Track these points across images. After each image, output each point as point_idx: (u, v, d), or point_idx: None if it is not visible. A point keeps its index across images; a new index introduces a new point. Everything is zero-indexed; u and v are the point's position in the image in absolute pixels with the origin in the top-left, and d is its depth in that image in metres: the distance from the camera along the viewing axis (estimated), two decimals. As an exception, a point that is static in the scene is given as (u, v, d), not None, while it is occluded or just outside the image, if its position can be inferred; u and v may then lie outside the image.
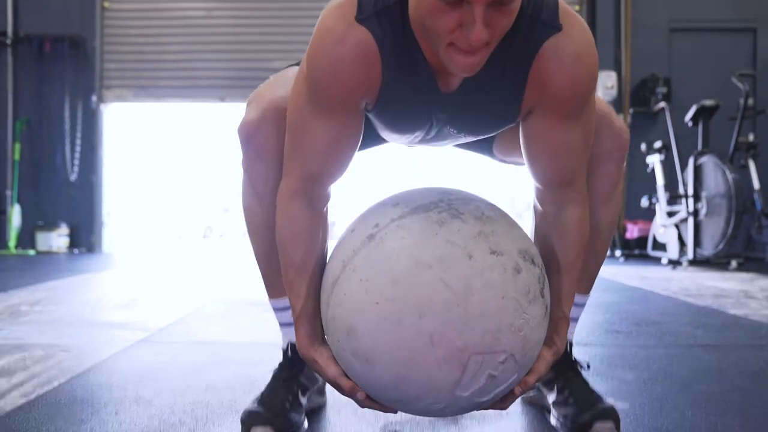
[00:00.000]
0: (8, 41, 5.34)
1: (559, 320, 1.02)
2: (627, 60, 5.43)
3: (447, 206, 0.98)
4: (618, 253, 5.11)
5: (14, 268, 4.00)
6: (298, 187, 1.00)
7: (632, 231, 5.22)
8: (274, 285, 1.16)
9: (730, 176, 4.00)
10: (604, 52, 5.41)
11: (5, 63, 5.36)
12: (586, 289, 1.22)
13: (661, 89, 5.28)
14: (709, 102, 4.19)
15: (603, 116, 1.10)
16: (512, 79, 0.95)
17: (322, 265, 1.02)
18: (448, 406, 0.93)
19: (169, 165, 7.24)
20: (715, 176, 4.12)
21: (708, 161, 4.18)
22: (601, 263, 1.21)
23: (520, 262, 0.94)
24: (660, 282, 3.36)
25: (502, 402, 0.96)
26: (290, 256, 1.01)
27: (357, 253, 0.96)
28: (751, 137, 4.71)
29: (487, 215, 0.97)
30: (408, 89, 0.97)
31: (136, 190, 6.11)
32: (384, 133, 1.10)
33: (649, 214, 4.92)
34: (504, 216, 1.00)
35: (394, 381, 0.91)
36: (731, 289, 3.00)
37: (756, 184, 4.68)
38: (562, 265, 1.04)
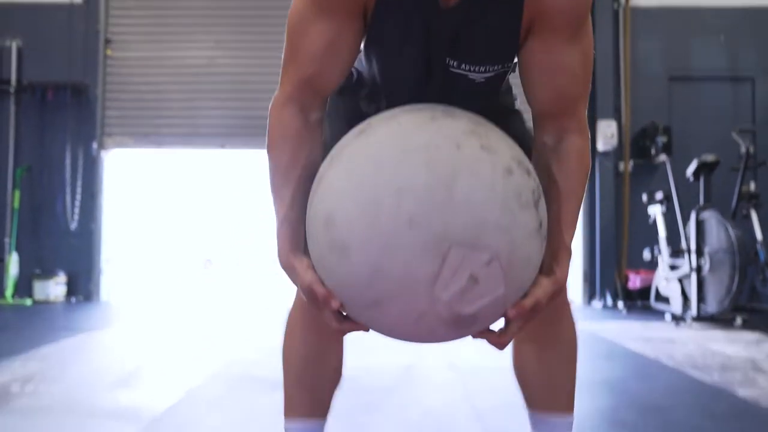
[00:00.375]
0: (11, 89, 5.37)
1: (558, 250, 0.95)
2: (627, 109, 5.45)
3: (442, 110, 0.96)
4: (620, 304, 5.06)
5: (9, 324, 3.96)
6: (292, 93, 0.99)
7: (634, 281, 5.17)
8: (293, 401, 1.13)
9: (732, 233, 3.97)
10: (604, 101, 5.44)
11: (8, 111, 5.39)
12: (568, 408, 1.16)
13: (661, 138, 5.29)
14: (710, 157, 4.18)
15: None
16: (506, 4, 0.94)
17: (312, 174, 0.98)
18: (426, 314, 0.84)
19: (168, 208, 7.23)
20: (718, 232, 4.09)
21: (710, 217, 4.16)
22: (575, 376, 1.16)
23: (512, 166, 0.90)
24: (664, 345, 3.30)
25: (498, 335, 0.90)
26: (277, 159, 0.99)
27: (345, 147, 0.94)
28: (752, 186, 4.71)
29: (481, 121, 0.95)
30: (407, 2, 0.95)
31: (136, 235, 6.07)
32: (381, 75, 1.07)
33: (651, 263, 4.88)
34: (502, 132, 0.97)
35: (369, 273, 0.83)
36: (738, 357, 2.94)
37: (759, 235, 4.65)
38: (563, 192, 0.98)
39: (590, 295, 5.43)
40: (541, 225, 0.90)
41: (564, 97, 1.00)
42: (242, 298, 9.41)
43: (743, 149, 4.19)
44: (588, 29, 1.01)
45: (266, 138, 1.01)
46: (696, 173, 4.30)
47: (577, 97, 1.02)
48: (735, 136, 4.25)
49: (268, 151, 1.01)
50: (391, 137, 0.91)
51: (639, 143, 5.41)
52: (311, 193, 0.96)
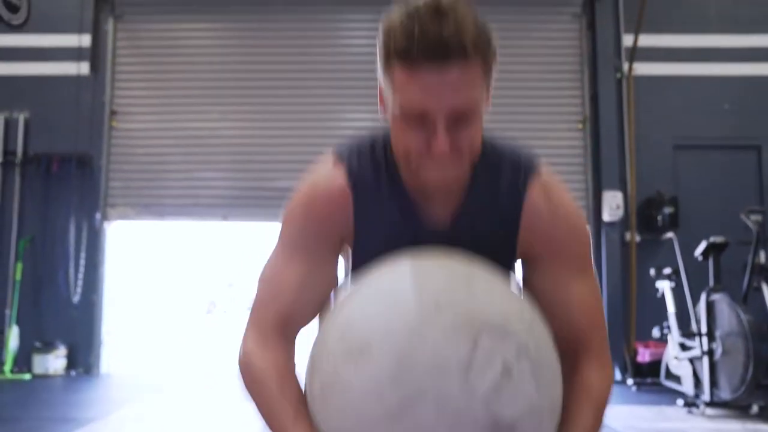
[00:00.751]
0: (17, 161, 5.40)
1: None
2: (632, 179, 5.41)
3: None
4: (630, 381, 4.93)
5: (3, 409, 3.88)
6: (268, 332, 0.97)
7: (644, 355, 5.06)
8: None
9: (744, 318, 3.87)
10: (609, 171, 5.41)
11: (13, 182, 5.40)
12: None
13: (668, 209, 5.23)
14: (718, 239, 4.12)
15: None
16: (504, 219, 0.99)
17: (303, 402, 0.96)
18: (461, 412, 0.74)
19: (169, 278, 7.24)
20: (729, 317, 4.00)
21: (721, 300, 4.07)
22: None
23: (513, 289, 0.95)
24: (677, 445, 3.19)
25: None
26: (263, 397, 0.94)
27: (350, 291, 0.95)
28: (762, 258, 4.63)
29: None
30: (390, 222, 0.99)
31: (137, 306, 6.02)
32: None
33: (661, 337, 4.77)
34: None
35: (394, 368, 0.75)
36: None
37: (771, 309, 4.55)
38: (570, 424, 0.95)
39: (599, 368, 5.30)
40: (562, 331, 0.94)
41: (576, 331, 0.99)
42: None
43: (754, 235, 4.13)
44: (591, 268, 1.04)
45: (243, 378, 0.99)
46: (705, 253, 4.23)
47: (590, 330, 1.01)
48: (744, 218, 4.19)
49: (251, 392, 0.97)
50: (400, 262, 0.91)
51: (645, 213, 5.36)
52: (315, 341, 0.93)
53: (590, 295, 1.02)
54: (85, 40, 5.50)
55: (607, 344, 1.03)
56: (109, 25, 5.62)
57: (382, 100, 0.98)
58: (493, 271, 0.94)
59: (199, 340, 10.19)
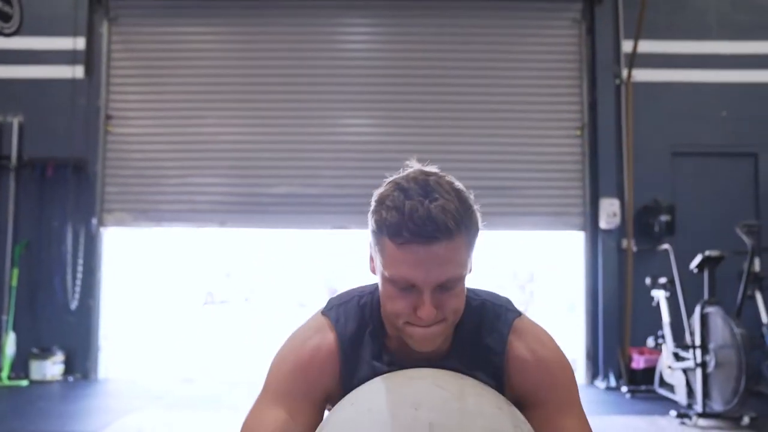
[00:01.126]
0: (12, 166, 5.37)
1: None
2: (629, 186, 5.41)
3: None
4: (624, 388, 4.98)
5: (1, 419, 3.89)
6: None
7: (638, 361, 5.10)
8: None
9: (737, 332, 3.91)
10: (606, 178, 5.41)
11: (8, 187, 5.37)
12: None
13: (665, 217, 5.25)
14: (714, 253, 4.14)
15: None
16: (489, 374, 1.05)
17: None
18: None
19: (166, 282, 7.23)
20: (723, 330, 4.03)
21: (715, 313, 4.10)
22: None
23: (509, 403, 0.97)
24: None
25: None
26: None
27: (333, 413, 0.97)
28: (757, 266, 4.66)
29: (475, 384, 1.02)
30: (374, 374, 1.04)
31: (134, 311, 6.02)
32: None
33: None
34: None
35: None
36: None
37: (765, 318, 4.59)
38: None
39: (593, 374, 5.35)
40: None
41: None
42: (245, 331, 9.35)
43: (749, 250, 4.16)
44: (579, 405, 1.09)
45: None
46: (700, 266, 4.26)
47: None
48: (739, 232, 4.21)
49: None
50: (389, 377, 0.95)
51: (642, 221, 5.37)
52: None
53: (583, 429, 1.08)
54: (79, 43, 5.45)
55: None
56: (104, 28, 5.56)
57: (371, 259, 1.06)
58: (485, 391, 0.98)
59: (197, 332, 10.22)
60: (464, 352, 1.07)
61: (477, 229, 1.04)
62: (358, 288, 1.16)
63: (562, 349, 1.11)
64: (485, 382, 1.04)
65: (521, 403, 1.06)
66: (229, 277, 21.56)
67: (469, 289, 1.10)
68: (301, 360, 1.06)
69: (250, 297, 20.96)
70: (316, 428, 1.03)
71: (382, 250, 0.99)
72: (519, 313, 1.11)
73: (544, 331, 1.12)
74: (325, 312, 1.11)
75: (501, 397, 0.95)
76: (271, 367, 1.08)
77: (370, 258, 1.06)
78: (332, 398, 1.07)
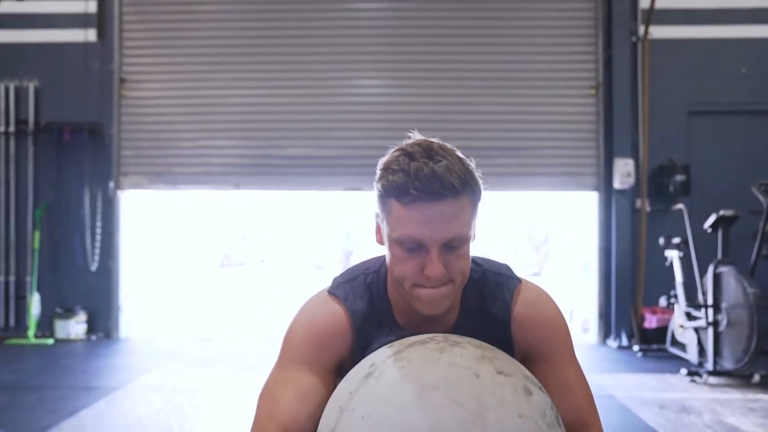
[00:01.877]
0: (29, 130, 5.44)
1: None
2: (645, 146, 5.36)
3: (443, 338, 0.98)
4: (636, 347, 5.03)
5: (30, 376, 4.04)
6: None
7: (651, 321, 5.13)
8: None
9: (750, 292, 3.91)
10: (621, 138, 5.36)
11: (27, 151, 5.46)
12: None
13: (680, 177, 5.20)
14: (728, 212, 4.11)
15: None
16: (495, 337, 1.08)
17: None
18: None
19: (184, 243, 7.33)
20: (736, 289, 4.04)
21: (728, 273, 4.10)
22: None
23: (529, 385, 0.92)
24: (678, 415, 3.28)
25: None
26: None
27: (354, 393, 0.92)
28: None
29: (484, 345, 0.99)
30: (385, 342, 1.06)
31: (153, 271, 6.15)
32: None
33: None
34: (501, 351, 1.03)
35: None
36: (752, 444, 2.90)
37: (778, 277, 4.58)
38: None
39: (605, 333, 5.41)
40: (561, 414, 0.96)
41: (576, 410, 1.10)
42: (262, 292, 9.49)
43: (764, 204, 4.11)
44: (574, 350, 1.16)
45: None
46: (714, 226, 4.24)
47: (587, 410, 1.12)
48: (755, 191, 4.17)
49: None
50: (405, 376, 0.89)
51: (656, 180, 5.33)
52: None
53: (581, 376, 1.15)
54: (91, 5, 5.44)
55: (600, 420, 1.14)
56: (115, -10, 5.55)
57: (378, 230, 1.09)
58: (491, 353, 0.98)
59: (214, 293, 10.43)
60: (471, 324, 1.11)
61: (480, 194, 1.06)
62: (362, 265, 1.18)
63: (559, 305, 1.17)
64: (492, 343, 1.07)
65: (528, 359, 1.13)
66: (245, 240, 21.82)
67: (472, 258, 1.12)
68: (314, 328, 1.09)
69: (267, 259, 21.24)
70: (329, 396, 1.05)
71: (389, 214, 1.02)
72: (519, 280, 1.16)
73: (544, 292, 1.17)
74: (332, 291, 1.14)
75: (519, 388, 0.90)
76: (284, 338, 1.12)
77: (376, 229, 1.09)
78: (344, 369, 1.09)
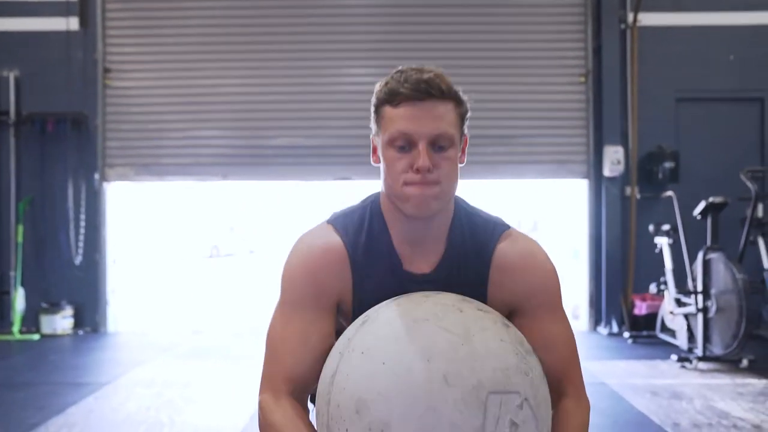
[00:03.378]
0: (10, 121, 5.32)
1: None
2: (634, 133, 5.36)
3: (429, 291, 1.08)
4: (626, 334, 5.06)
5: (16, 372, 3.98)
6: (281, 388, 1.08)
7: (640, 307, 5.16)
8: None
9: (739, 278, 3.94)
10: (611, 126, 5.36)
11: (8, 143, 5.35)
12: None
13: (668, 164, 5.22)
14: (717, 199, 4.13)
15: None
16: (476, 270, 1.14)
17: None
18: None
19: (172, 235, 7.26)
20: (725, 275, 4.07)
21: (717, 259, 4.12)
22: None
23: (506, 321, 1.03)
24: (669, 401, 3.31)
25: None
26: None
27: (352, 338, 1.00)
28: (760, 212, 4.66)
29: (466, 298, 1.07)
30: (381, 273, 1.13)
31: (140, 264, 6.08)
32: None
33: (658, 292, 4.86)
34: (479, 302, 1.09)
35: None
36: (746, 425, 2.93)
37: (766, 263, 4.62)
38: None
39: (596, 321, 5.43)
40: (542, 371, 1.02)
41: (556, 366, 1.13)
42: (249, 282, 9.44)
43: (752, 195, 4.14)
44: (563, 307, 1.17)
45: (260, 426, 1.10)
46: (703, 213, 4.26)
47: (568, 366, 1.15)
48: (744, 178, 4.19)
49: None
50: (397, 315, 0.99)
51: (645, 167, 5.35)
52: (322, 391, 1.00)
53: (566, 332, 1.15)
54: (72, -7, 5.32)
55: (582, 376, 1.16)
56: (97, -23, 5.42)
57: (374, 150, 1.16)
58: (471, 300, 1.04)
59: (203, 284, 10.37)
60: (454, 257, 1.14)
61: (466, 111, 1.14)
62: (357, 203, 1.23)
63: (549, 254, 1.19)
64: (471, 281, 1.13)
65: (511, 308, 1.14)
66: (233, 231, 21.72)
67: (464, 201, 1.21)
68: (311, 264, 1.12)
69: (255, 249, 21.16)
70: (332, 333, 1.11)
71: (382, 120, 1.12)
72: (508, 227, 1.19)
73: (533, 240, 1.19)
74: (331, 221, 1.18)
75: (498, 321, 0.99)
76: (283, 275, 1.15)
77: (372, 151, 1.17)
78: (343, 302, 1.14)
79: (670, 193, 4.62)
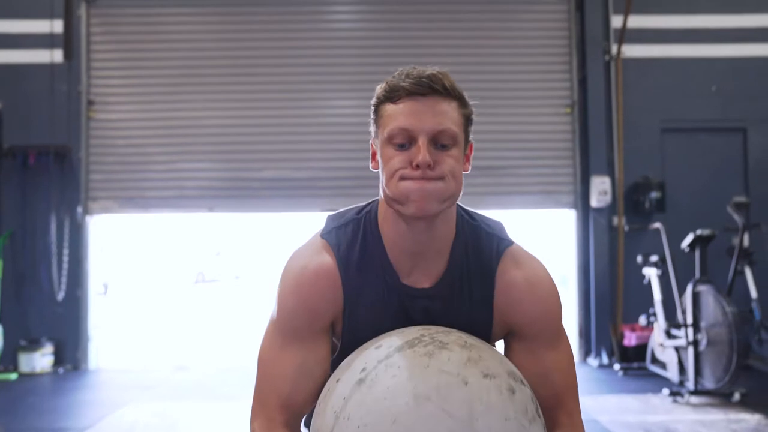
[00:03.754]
0: (-8, 154, 5.24)
1: None
2: (620, 163, 5.39)
3: (431, 339, 1.00)
4: (616, 366, 5.02)
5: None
6: (273, 417, 1.03)
7: (630, 338, 5.14)
8: None
9: (729, 311, 3.93)
10: (597, 157, 5.39)
11: (-12, 176, 5.25)
12: None
13: (655, 194, 5.25)
14: (705, 232, 4.14)
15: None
16: (480, 289, 1.08)
17: None
18: None
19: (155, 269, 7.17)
20: (714, 308, 4.06)
21: (707, 292, 4.12)
22: None
23: (512, 383, 0.98)
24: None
25: None
26: None
27: (349, 400, 0.95)
28: (746, 241, 4.68)
29: (470, 343, 1.01)
30: (377, 289, 1.07)
31: (124, 299, 5.97)
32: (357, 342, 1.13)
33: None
34: (483, 342, 1.05)
35: None
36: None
37: (753, 293, 4.64)
38: None
39: (586, 352, 5.40)
40: (545, 428, 1.01)
41: (552, 395, 1.09)
42: (236, 312, 9.31)
43: (739, 227, 4.16)
44: (564, 332, 1.13)
45: None
46: (692, 245, 4.27)
47: (564, 395, 1.10)
48: (730, 211, 4.21)
49: None
50: (397, 386, 0.93)
51: (632, 198, 5.37)
52: None
53: (565, 360, 1.11)
54: (57, 26, 5.27)
55: (578, 405, 1.12)
56: (82, 10, 5.39)
57: (373, 156, 1.10)
58: (477, 352, 0.99)
59: (188, 314, 10.20)
60: (457, 275, 1.09)
61: (470, 113, 1.09)
62: (355, 207, 1.18)
63: (553, 277, 1.14)
64: (477, 308, 1.08)
65: (511, 330, 1.10)
66: (219, 256, 21.51)
67: (466, 210, 1.15)
68: (303, 291, 1.07)
69: (241, 275, 20.95)
70: (327, 355, 1.08)
71: (381, 119, 1.06)
72: (511, 242, 1.14)
73: (537, 261, 1.14)
74: (324, 235, 1.12)
75: (504, 388, 0.96)
76: (277, 294, 1.11)
77: (371, 156, 1.11)
78: (336, 322, 1.10)
79: (658, 225, 4.63)
